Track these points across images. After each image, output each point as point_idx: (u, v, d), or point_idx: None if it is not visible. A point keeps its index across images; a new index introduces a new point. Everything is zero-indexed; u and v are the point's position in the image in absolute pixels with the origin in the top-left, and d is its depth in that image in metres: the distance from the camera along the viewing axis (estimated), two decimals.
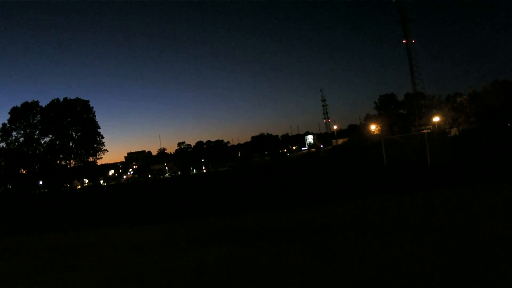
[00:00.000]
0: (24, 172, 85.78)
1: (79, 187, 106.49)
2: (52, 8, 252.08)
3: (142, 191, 41.19)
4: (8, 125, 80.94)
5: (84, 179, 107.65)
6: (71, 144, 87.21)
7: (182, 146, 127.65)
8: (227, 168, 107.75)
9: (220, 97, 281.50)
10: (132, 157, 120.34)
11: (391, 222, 10.19)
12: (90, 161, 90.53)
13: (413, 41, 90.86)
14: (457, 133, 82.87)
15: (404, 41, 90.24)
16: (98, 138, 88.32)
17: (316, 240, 8.91)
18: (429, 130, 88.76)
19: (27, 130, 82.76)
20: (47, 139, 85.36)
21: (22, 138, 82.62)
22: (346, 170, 35.99)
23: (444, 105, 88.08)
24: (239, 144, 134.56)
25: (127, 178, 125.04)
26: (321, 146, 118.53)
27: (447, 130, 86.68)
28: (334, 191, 19.29)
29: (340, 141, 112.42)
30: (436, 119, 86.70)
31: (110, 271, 8.04)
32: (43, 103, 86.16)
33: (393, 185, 19.52)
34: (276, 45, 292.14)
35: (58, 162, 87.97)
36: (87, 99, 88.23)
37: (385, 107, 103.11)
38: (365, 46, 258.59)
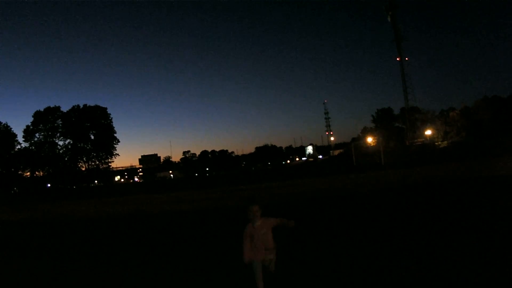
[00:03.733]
0: (28, 175, 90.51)
1: None
2: (75, 16, 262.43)
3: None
4: (31, 127, 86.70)
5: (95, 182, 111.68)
6: (89, 147, 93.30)
7: (187, 155, 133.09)
8: None
9: (226, 109, 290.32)
10: (145, 160, 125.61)
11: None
12: (104, 167, 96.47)
13: (406, 59, 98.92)
14: (445, 146, 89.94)
15: (398, 59, 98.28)
16: (114, 142, 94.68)
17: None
18: (422, 142, 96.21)
19: (49, 133, 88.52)
20: (66, 141, 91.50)
21: (43, 140, 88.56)
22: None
23: (438, 119, 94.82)
24: (243, 155, 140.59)
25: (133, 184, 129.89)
26: (320, 156, 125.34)
27: (439, 143, 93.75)
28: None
29: (336, 152, 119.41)
30: (428, 132, 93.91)
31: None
32: (64, 108, 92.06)
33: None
34: (282, 58, 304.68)
35: (75, 163, 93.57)
36: (104, 105, 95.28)
37: (381, 121, 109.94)
38: (365, 60, 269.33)
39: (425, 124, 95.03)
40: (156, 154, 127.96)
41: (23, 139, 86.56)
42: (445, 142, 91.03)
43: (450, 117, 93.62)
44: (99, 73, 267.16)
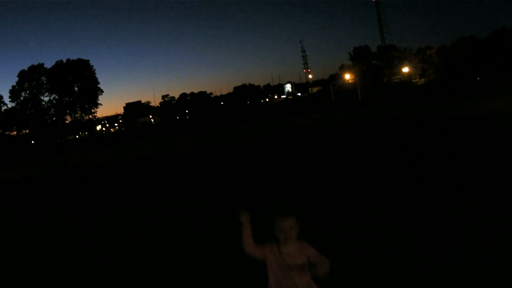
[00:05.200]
0: (15, 134, 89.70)
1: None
2: None
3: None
4: (17, 87, 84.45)
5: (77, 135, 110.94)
6: (72, 99, 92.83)
7: (166, 99, 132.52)
8: None
9: (203, 50, 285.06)
10: (130, 107, 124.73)
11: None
12: (88, 118, 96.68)
13: None
14: (422, 83, 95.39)
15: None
16: (98, 93, 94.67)
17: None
18: (399, 80, 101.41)
19: (34, 91, 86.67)
20: (52, 97, 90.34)
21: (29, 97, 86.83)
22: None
23: (415, 57, 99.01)
24: (222, 95, 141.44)
25: (114, 131, 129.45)
26: (298, 94, 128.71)
27: (416, 80, 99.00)
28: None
29: (315, 89, 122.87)
30: (405, 69, 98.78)
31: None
32: (48, 65, 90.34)
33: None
34: None
35: (61, 117, 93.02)
36: (88, 57, 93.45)
37: (359, 58, 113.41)
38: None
39: (402, 62, 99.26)
40: (140, 101, 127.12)
41: (10, 100, 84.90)
42: (422, 79, 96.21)
43: (427, 55, 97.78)
44: (80, 26, 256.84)
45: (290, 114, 42.42)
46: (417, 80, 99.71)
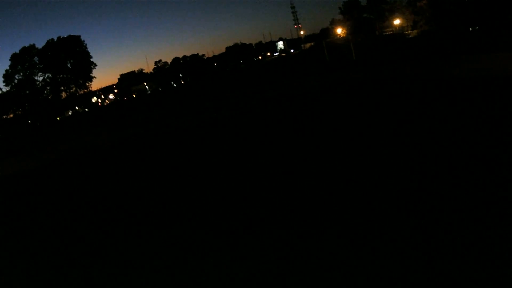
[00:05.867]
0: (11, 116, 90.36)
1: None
2: None
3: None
4: (10, 70, 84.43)
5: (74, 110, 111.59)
6: (67, 76, 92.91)
7: (159, 64, 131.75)
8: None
9: (193, 13, 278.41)
10: (125, 78, 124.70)
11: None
12: (82, 92, 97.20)
13: None
14: (415, 35, 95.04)
15: None
16: (91, 67, 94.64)
17: None
18: (391, 32, 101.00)
19: (27, 72, 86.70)
20: (45, 76, 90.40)
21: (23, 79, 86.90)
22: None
23: (405, 9, 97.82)
24: (214, 56, 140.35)
25: (109, 103, 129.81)
26: (292, 50, 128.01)
27: (408, 32, 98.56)
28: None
29: (308, 45, 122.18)
30: (396, 21, 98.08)
31: None
32: (39, 45, 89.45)
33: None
34: None
35: (56, 94, 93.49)
36: (78, 31, 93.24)
37: (349, 12, 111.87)
38: None
39: (393, 14, 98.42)
40: (134, 71, 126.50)
41: (4, 84, 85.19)
42: (414, 31, 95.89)
43: (418, 6, 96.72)
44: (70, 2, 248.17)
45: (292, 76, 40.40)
46: (409, 32, 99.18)
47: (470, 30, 78.59)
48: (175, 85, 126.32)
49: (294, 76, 38.92)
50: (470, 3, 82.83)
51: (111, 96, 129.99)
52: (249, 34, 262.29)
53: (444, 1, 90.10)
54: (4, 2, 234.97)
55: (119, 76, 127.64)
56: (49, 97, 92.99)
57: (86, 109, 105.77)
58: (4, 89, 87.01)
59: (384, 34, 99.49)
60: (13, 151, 31.75)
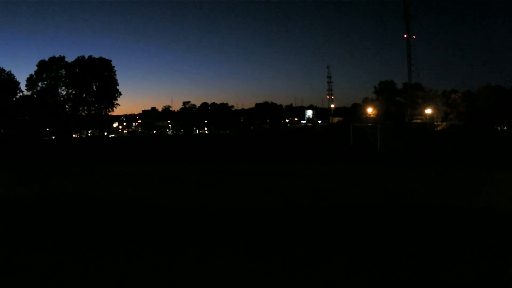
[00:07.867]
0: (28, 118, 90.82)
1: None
2: None
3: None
4: (34, 76, 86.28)
5: (92, 130, 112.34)
6: (90, 98, 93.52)
7: (187, 105, 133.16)
8: (228, 132, 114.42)
9: (229, 63, 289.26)
10: (146, 114, 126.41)
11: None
12: (104, 113, 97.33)
13: (414, 36, 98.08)
14: (444, 127, 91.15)
15: (405, 36, 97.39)
16: (116, 95, 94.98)
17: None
18: (420, 121, 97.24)
19: (52, 82, 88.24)
20: (69, 91, 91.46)
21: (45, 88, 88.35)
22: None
23: (439, 100, 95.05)
24: (242, 109, 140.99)
25: (129, 132, 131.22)
26: (319, 121, 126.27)
27: (437, 123, 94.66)
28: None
29: (336, 120, 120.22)
30: (428, 111, 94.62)
31: None
32: (68, 59, 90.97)
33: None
34: (288, 17, 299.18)
35: (76, 110, 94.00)
36: (108, 57, 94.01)
37: (383, 93, 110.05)
38: (372, 31, 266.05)
39: (426, 102, 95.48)
40: (155, 107, 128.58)
41: (26, 88, 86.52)
42: (444, 123, 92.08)
43: (452, 98, 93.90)
44: (104, 25, 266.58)
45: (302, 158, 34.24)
46: (438, 122, 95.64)
47: (499, 129, 74.33)
48: (198, 131, 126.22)
49: (310, 157, 34.03)
50: (503, 102, 79.18)
51: (133, 125, 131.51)
52: (281, 94, 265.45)
53: (478, 98, 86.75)
54: (41, 8, 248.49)
55: (141, 108, 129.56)
56: (69, 112, 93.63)
57: (105, 133, 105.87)
58: (25, 93, 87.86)
59: (413, 121, 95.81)
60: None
